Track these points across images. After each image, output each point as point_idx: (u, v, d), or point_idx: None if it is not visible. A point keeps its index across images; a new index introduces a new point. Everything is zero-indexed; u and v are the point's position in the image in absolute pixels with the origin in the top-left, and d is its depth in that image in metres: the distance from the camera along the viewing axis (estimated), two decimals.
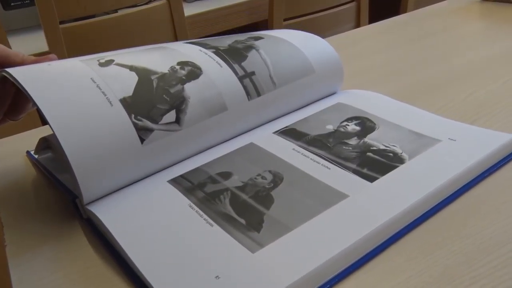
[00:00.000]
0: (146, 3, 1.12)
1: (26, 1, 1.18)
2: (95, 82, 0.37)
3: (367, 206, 0.32)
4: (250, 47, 0.46)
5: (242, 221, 0.32)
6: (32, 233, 0.35)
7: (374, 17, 1.06)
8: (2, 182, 0.43)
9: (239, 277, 0.27)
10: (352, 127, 0.42)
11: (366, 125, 0.42)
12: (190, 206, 0.34)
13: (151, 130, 0.36)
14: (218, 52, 0.44)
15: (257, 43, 0.47)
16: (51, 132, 0.42)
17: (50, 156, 0.44)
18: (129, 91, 0.37)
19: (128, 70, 0.39)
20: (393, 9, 1.45)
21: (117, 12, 1.09)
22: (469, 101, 0.48)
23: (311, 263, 0.27)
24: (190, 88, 0.39)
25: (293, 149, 0.39)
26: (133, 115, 0.36)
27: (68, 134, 0.33)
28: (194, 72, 0.41)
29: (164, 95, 0.38)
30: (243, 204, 0.33)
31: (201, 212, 0.33)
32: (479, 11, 0.83)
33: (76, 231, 0.35)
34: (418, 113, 0.44)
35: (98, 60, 0.39)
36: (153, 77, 0.39)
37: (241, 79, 0.42)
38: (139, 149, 0.36)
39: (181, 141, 0.39)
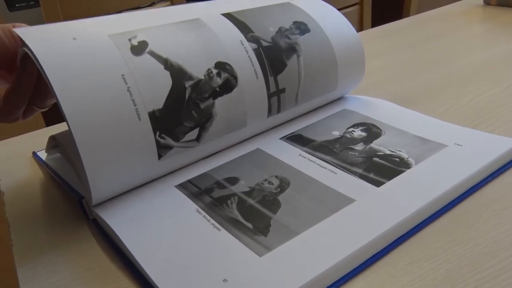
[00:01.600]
0: (150, 5, 1.12)
1: (31, 2, 1.19)
2: (127, 84, 0.34)
3: (373, 211, 0.32)
4: (292, 49, 0.43)
5: (249, 225, 0.32)
6: (39, 233, 0.36)
7: (377, 21, 1.07)
8: (8, 183, 0.43)
9: (247, 281, 0.27)
10: (358, 133, 0.42)
11: (372, 131, 0.42)
12: (198, 211, 0.34)
13: (170, 147, 0.36)
14: (259, 51, 0.41)
15: (301, 40, 0.44)
16: (56, 132, 0.43)
17: (56, 157, 0.45)
18: (159, 103, 0.35)
19: (162, 67, 0.36)
20: (396, 12, 1.45)
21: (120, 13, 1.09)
22: (472, 105, 0.49)
23: (317, 267, 0.28)
24: (220, 104, 0.38)
25: (300, 154, 0.40)
26: (158, 133, 0.35)
27: (85, 136, 0.32)
28: (229, 82, 0.39)
29: (193, 112, 0.36)
30: (250, 208, 0.34)
31: (208, 217, 0.33)
32: (482, 15, 0.83)
33: (82, 231, 0.35)
34: (424, 119, 0.44)
35: (130, 40, 0.35)
36: (187, 84, 0.36)
37: (270, 96, 0.41)
38: (155, 163, 0.36)
39: (195, 154, 0.39)
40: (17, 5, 1.17)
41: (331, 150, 0.40)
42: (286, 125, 0.46)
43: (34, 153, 0.47)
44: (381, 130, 0.43)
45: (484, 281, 0.27)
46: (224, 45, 0.39)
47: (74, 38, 0.34)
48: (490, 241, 0.30)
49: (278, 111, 0.43)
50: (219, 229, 0.32)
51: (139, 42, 0.36)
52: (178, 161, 0.38)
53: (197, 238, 0.31)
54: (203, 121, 0.37)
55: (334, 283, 0.28)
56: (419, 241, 0.31)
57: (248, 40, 0.41)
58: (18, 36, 0.36)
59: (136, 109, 0.34)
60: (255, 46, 0.41)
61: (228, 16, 0.42)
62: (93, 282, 0.30)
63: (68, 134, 0.39)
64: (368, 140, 0.41)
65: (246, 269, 0.28)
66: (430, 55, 0.66)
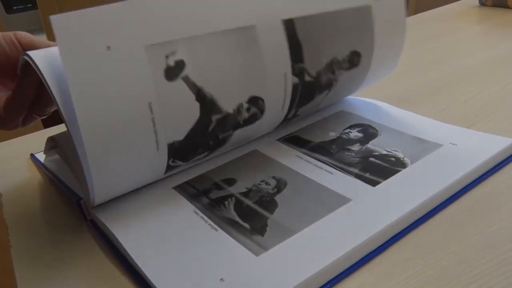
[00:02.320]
0: None
1: (29, 5, 1.19)
2: (152, 113, 0.31)
3: (370, 210, 0.32)
4: (328, 86, 0.42)
5: (246, 225, 0.32)
6: (37, 234, 0.36)
7: None
8: (6, 184, 0.43)
9: (243, 280, 0.28)
10: (354, 134, 0.43)
11: (369, 131, 0.43)
12: (195, 212, 0.34)
13: (178, 167, 0.37)
14: (297, 87, 0.38)
15: (343, 76, 0.42)
16: (55, 134, 0.43)
17: (54, 158, 0.45)
18: (182, 134, 0.33)
19: (194, 97, 0.33)
20: None
21: None
22: (468, 105, 0.49)
23: (314, 266, 0.28)
24: (238, 134, 0.37)
25: (297, 155, 0.40)
26: (171, 159, 0.34)
27: (95, 146, 0.30)
28: (255, 116, 0.37)
29: (211, 141, 0.35)
30: (247, 209, 0.34)
31: (206, 218, 0.33)
32: (478, 16, 0.84)
33: (80, 232, 0.35)
34: (420, 119, 0.45)
35: (167, 58, 0.31)
36: (213, 118, 0.34)
37: (283, 121, 0.42)
38: (160, 175, 0.36)
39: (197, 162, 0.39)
40: (14, 7, 1.17)
41: (328, 151, 0.40)
42: (283, 126, 0.46)
43: (32, 155, 0.47)
44: (377, 130, 0.43)
45: (479, 277, 0.28)
46: (265, 76, 0.36)
47: (109, 47, 0.29)
48: (485, 238, 0.31)
49: (284, 126, 0.44)
50: (216, 230, 0.32)
51: (176, 62, 0.31)
52: (182, 170, 0.39)
53: (195, 238, 0.32)
54: (216, 146, 0.37)
55: (330, 280, 0.28)
56: (415, 239, 0.31)
57: (293, 74, 0.37)
58: (19, 44, 0.36)
59: (156, 140, 0.32)
60: (296, 81, 0.38)
61: (289, 24, 0.36)
62: (91, 283, 0.31)
63: (66, 135, 0.39)
64: (364, 140, 0.41)
65: (243, 269, 0.28)
66: (426, 55, 0.66)
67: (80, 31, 0.28)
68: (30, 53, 0.32)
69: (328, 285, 0.28)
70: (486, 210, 0.33)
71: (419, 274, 0.28)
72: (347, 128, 0.44)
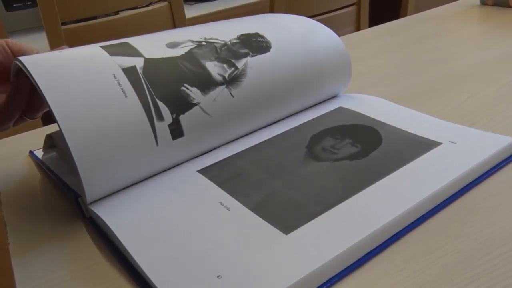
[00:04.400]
0: (147, 5, 1.13)
1: (28, 2, 1.19)
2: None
3: (368, 208, 0.32)
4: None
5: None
6: (35, 232, 0.36)
7: (374, 21, 1.07)
8: (4, 182, 0.43)
9: (242, 276, 0.28)
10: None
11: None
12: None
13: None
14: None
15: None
16: (53, 131, 0.43)
17: (53, 156, 0.45)
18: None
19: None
20: (393, 13, 1.45)
21: (118, 14, 1.10)
22: (467, 104, 0.49)
23: (313, 263, 0.28)
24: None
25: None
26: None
27: (75, 132, 0.33)
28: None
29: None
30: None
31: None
32: (478, 15, 0.83)
33: (79, 230, 0.35)
34: (419, 117, 0.45)
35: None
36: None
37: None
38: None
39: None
40: (14, 5, 1.17)
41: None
42: (286, 120, 0.46)
43: (31, 152, 0.47)
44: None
45: (478, 276, 0.27)
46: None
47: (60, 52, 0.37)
48: (485, 237, 0.30)
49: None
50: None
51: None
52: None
53: (192, 234, 0.31)
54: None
55: (330, 279, 0.28)
56: (414, 238, 0.31)
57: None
58: (11, 51, 0.39)
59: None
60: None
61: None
62: (90, 280, 0.30)
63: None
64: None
65: (239, 265, 0.28)
66: (426, 55, 0.66)
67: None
68: (21, 58, 0.35)
69: (328, 284, 0.28)
70: (485, 209, 0.33)
71: (419, 273, 0.28)
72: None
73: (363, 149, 0.39)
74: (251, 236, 0.31)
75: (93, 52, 0.38)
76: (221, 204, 0.34)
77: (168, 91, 0.38)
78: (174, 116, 0.37)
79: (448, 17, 0.84)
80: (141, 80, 0.37)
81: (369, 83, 0.58)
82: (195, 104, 0.38)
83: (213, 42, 0.42)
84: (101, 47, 0.39)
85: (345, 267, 0.29)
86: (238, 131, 0.42)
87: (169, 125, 0.37)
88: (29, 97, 0.39)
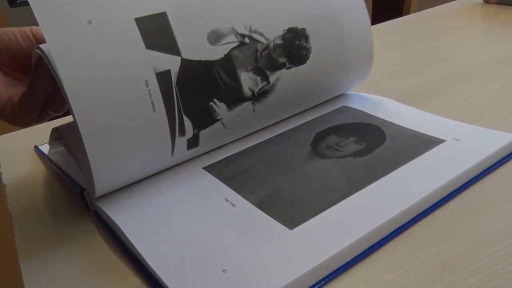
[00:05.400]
0: None
1: None
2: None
3: (373, 203, 0.32)
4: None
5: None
6: (41, 225, 0.36)
7: (377, 19, 1.07)
8: (10, 176, 0.44)
9: (245, 270, 0.28)
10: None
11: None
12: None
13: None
14: None
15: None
16: (57, 126, 0.43)
17: (59, 150, 0.45)
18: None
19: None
20: (395, 11, 1.45)
21: None
22: (471, 102, 0.49)
23: (317, 258, 0.28)
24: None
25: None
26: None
27: (90, 126, 0.31)
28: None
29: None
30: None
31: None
32: (482, 13, 0.84)
33: (84, 223, 0.36)
34: (423, 115, 0.45)
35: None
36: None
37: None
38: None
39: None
40: (18, 1, 1.17)
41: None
42: (290, 119, 0.46)
43: (36, 147, 0.48)
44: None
45: (479, 270, 0.28)
46: None
47: (89, 21, 0.31)
48: (487, 232, 0.31)
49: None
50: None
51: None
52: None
53: (197, 229, 0.32)
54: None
55: (332, 272, 0.29)
56: (418, 232, 0.31)
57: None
58: (34, 39, 0.36)
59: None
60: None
61: None
62: (95, 272, 0.31)
63: (71, 127, 0.40)
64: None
65: (244, 260, 0.29)
66: (429, 53, 0.66)
67: (59, 7, 0.30)
68: (42, 46, 0.32)
69: (331, 277, 0.28)
70: (488, 204, 0.33)
71: (421, 266, 0.28)
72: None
73: (367, 147, 0.39)
74: (256, 231, 0.31)
75: (128, 37, 0.33)
76: (226, 200, 0.34)
77: (197, 106, 0.36)
78: (195, 131, 0.37)
79: (451, 15, 0.84)
80: (173, 92, 0.34)
81: (372, 81, 0.58)
82: (218, 120, 0.38)
83: (257, 41, 0.39)
84: (136, 19, 0.34)
85: (348, 260, 0.29)
86: (247, 134, 0.43)
87: (187, 139, 0.37)
88: (52, 88, 0.37)
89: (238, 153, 0.41)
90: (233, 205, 0.34)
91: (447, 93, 0.52)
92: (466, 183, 0.35)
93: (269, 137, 0.43)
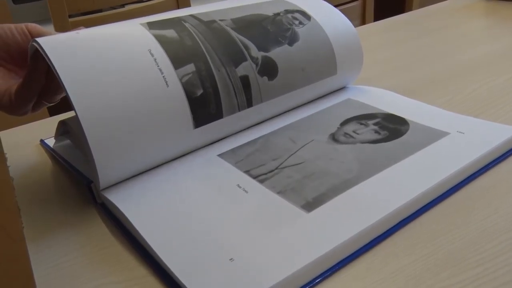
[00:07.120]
0: None
1: None
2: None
3: (377, 194, 0.33)
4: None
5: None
6: (48, 217, 0.36)
7: (379, 15, 1.07)
8: (16, 169, 0.44)
9: (253, 258, 0.28)
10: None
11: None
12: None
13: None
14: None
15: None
16: (64, 119, 0.43)
17: (64, 144, 0.45)
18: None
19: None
20: (398, 7, 1.45)
21: (124, 7, 1.10)
22: (474, 96, 0.49)
23: (323, 247, 0.28)
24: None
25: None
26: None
27: (90, 114, 0.32)
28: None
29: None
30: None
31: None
32: (484, 9, 0.84)
33: (91, 215, 0.36)
34: (427, 108, 0.45)
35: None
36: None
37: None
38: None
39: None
40: None
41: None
42: (291, 112, 0.46)
43: (42, 141, 0.48)
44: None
45: (483, 261, 0.28)
46: None
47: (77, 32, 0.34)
48: (490, 224, 0.31)
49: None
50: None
51: None
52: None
53: (203, 216, 0.32)
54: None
55: (339, 262, 0.29)
56: (422, 223, 0.32)
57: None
58: (30, 35, 0.38)
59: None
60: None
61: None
62: (102, 263, 0.31)
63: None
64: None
65: (251, 247, 0.29)
66: (432, 48, 0.66)
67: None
68: (38, 39, 0.34)
69: (335, 268, 0.29)
70: (492, 196, 0.33)
71: (426, 257, 0.29)
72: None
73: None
74: (270, 216, 0.31)
75: (131, 28, 0.35)
76: (238, 186, 0.35)
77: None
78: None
79: (454, 11, 0.84)
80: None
81: (375, 76, 0.58)
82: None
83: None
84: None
85: (354, 250, 0.29)
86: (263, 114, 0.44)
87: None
88: (46, 80, 0.39)
89: (251, 141, 0.41)
90: (245, 191, 0.34)
91: (451, 86, 0.52)
92: (471, 175, 0.36)
93: (283, 124, 0.44)
